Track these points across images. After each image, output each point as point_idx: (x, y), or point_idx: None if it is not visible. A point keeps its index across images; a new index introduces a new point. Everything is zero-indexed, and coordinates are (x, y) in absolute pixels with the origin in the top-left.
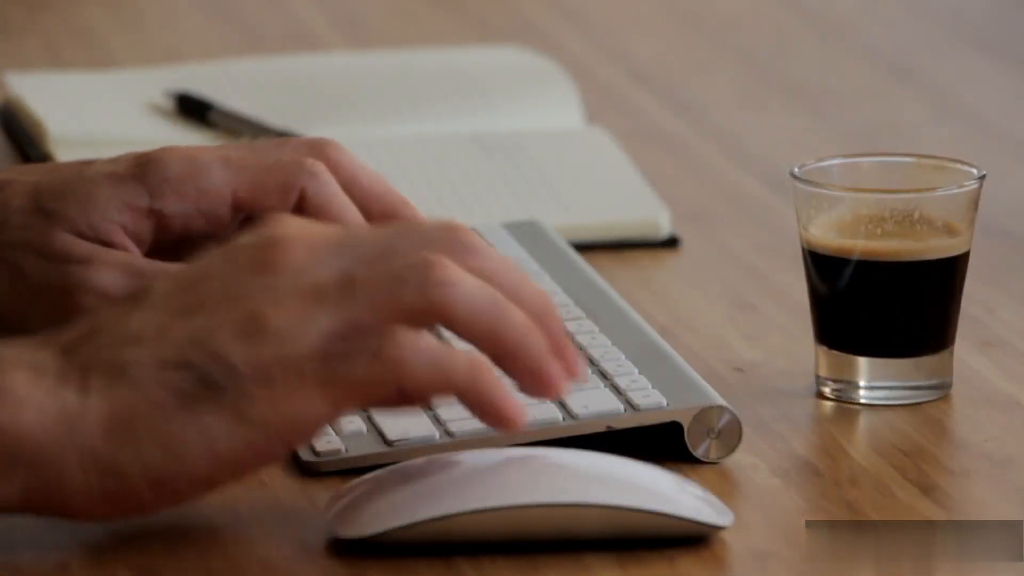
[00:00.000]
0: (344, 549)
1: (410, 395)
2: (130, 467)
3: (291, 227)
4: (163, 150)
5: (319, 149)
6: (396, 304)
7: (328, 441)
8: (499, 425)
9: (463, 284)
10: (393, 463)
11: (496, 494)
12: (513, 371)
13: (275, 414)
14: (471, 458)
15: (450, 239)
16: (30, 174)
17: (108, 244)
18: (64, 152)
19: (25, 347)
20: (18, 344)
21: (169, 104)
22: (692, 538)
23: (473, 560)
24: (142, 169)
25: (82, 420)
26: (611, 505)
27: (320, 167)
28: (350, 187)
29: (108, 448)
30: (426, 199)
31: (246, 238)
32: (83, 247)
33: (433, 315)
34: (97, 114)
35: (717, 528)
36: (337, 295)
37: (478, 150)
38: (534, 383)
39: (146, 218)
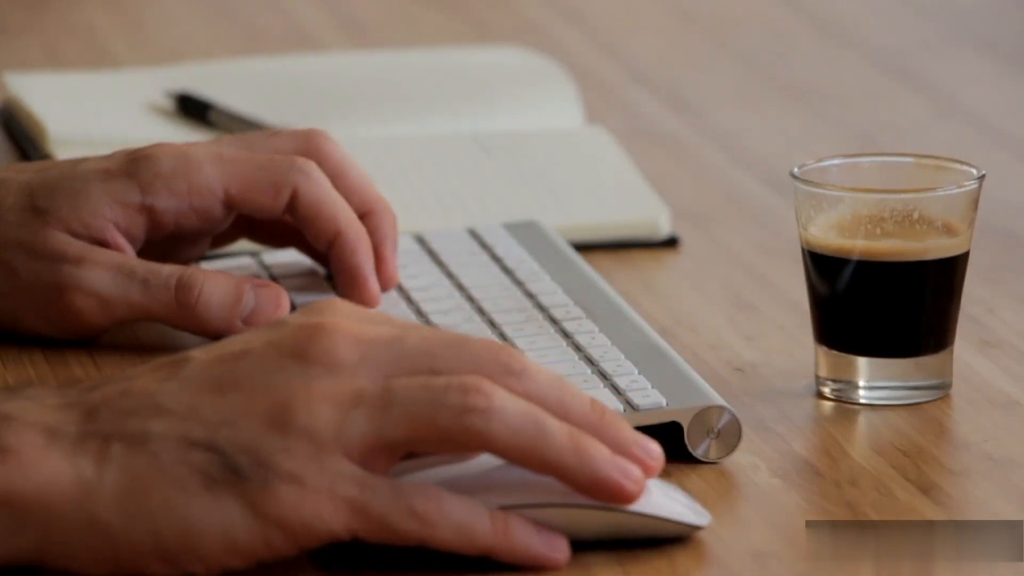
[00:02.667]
0: (343, 550)
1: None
2: (141, 542)
3: (341, 314)
4: (155, 147)
5: (310, 140)
6: (431, 426)
7: None
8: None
9: (502, 411)
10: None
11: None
12: (574, 487)
13: (296, 516)
14: (457, 460)
15: (496, 360)
16: (23, 172)
17: (100, 241)
18: (64, 152)
19: (45, 407)
20: (40, 399)
21: (169, 104)
22: (674, 538)
23: (473, 560)
24: (134, 166)
25: (97, 490)
26: (596, 507)
27: (312, 166)
28: (337, 180)
29: (121, 521)
30: (426, 199)
31: (295, 317)
32: (75, 246)
33: (469, 441)
34: (97, 114)
35: (695, 528)
36: (373, 404)
37: (478, 150)
38: (599, 493)
39: (138, 214)
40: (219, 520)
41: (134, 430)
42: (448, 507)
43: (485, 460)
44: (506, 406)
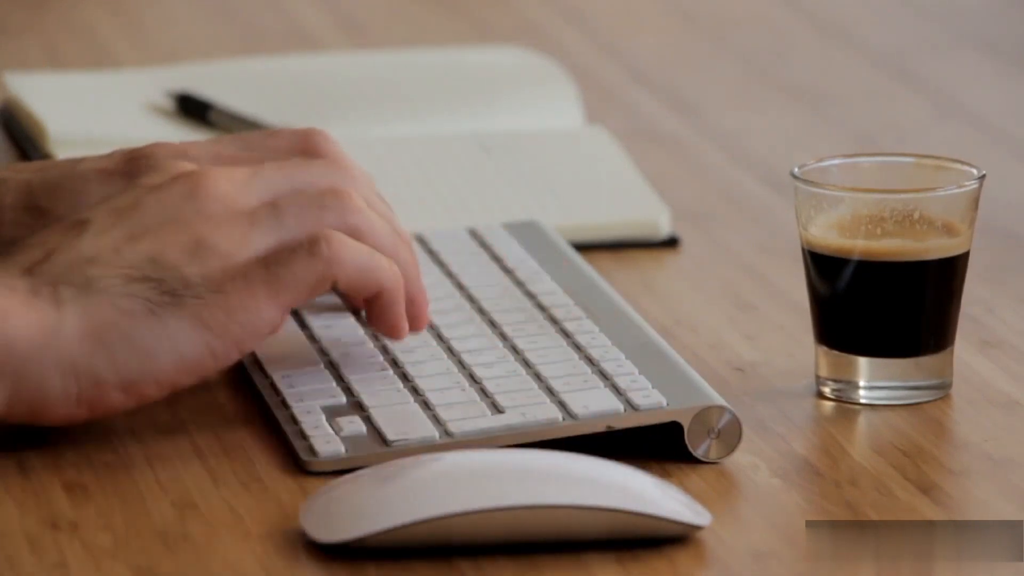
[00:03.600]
0: (343, 549)
1: (343, 289)
2: (105, 373)
3: (201, 162)
4: (153, 145)
5: (309, 139)
6: (320, 227)
7: (327, 441)
8: (391, 332)
9: (370, 212)
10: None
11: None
12: (396, 291)
13: (230, 319)
14: (457, 459)
15: (347, 171)
16: (22, 172)
17: None
18: (64, 152)
19: None
20: None
21: (169, 104)
22: (674, 538)
23: (473, 560)
24: (131, 164)
25: (60, 330)
26: (597, 507)
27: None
28: None
29: (85, 356)
30: (426, 199)
31: (158, 176)
32: None
33: (352, 233)
34: (97, 114)
35: (695, 528)
36: (267, 218)
37: (478, 150)
38: (412, 311)
39: None
40: (167, 339)
41: (76, 276)
42: (351, 243)
43: (486, 459)
44: (365, 205)
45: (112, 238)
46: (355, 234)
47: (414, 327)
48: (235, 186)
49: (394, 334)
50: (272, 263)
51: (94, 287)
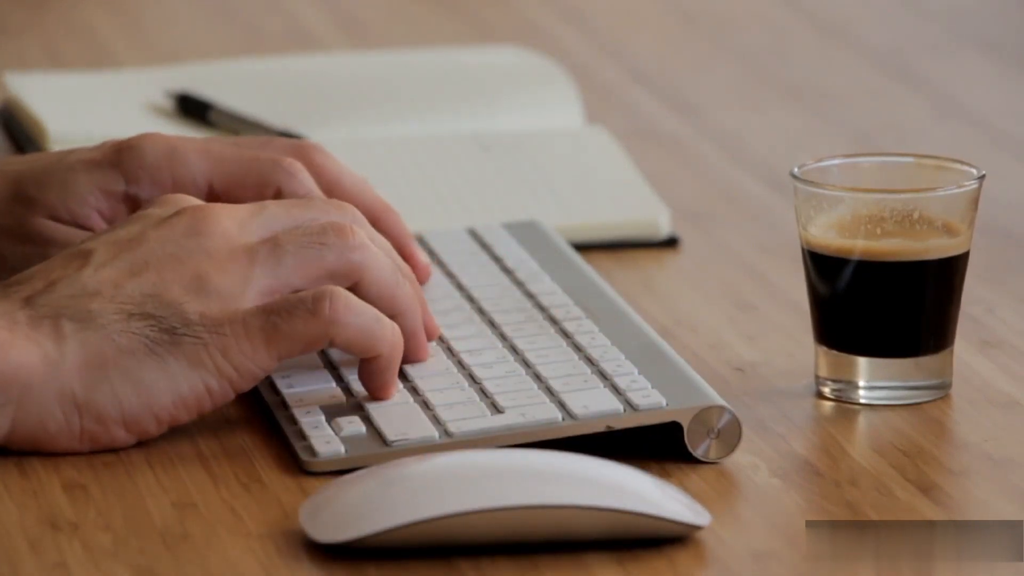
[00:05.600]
0: (343, 549)
1: (341, 347)
2: (107, 408)
3: (199, 200)
4: (142, 137)
5: (303, 153)
6: (321, 264)
7: (327, 441)
8: (377, 394)
9: (372, 247)
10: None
11: (470, 498)
12: (403, 328)
13: (226, 361)
14: (457, 459)
15: (347, 210)
16: (13, 164)
17: (86, 227)
18: None
19: None
20: None
21: (169, 104)
22: (674, 538)
23: (473, 560)
24: (119, 155)
25: (62, 364)
26: (596, 507)
27: (298, 167)
28: (332, 191)
29: (86, 391)
30: (426, 199)
31: (161, 209)
32: (61, 231)
33: (352, 275)
34: (97, 114)
35: (696, 528)
36: (268, 255)
37: (478, 149)
38: (415, 343)
39: (122, 203)
40: (166, 378)
41: (77, 310)
42: (354, 304)
43: (486, 459)
44: (366, 241)
45: (114, 271)
46: (357, 270)
47: (424, 356)
48: (237, 222)
49: (380, 395)
50: (273, 314)
51: (95, 322)
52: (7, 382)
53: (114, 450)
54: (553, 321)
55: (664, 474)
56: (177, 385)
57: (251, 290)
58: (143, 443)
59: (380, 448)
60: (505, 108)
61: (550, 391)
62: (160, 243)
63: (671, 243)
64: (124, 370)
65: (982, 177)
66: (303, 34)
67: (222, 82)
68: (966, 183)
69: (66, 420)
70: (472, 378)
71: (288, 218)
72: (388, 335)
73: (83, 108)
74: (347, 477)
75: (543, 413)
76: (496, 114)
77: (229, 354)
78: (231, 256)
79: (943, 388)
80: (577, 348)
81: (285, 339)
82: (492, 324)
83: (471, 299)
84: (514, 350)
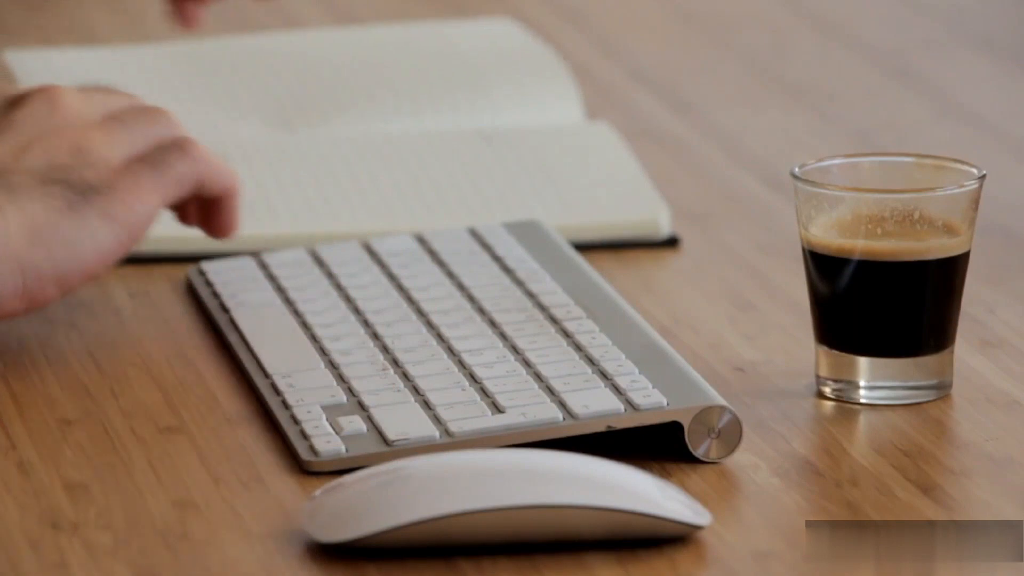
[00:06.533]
0: (343, 549)
1: (202, 188)
2: (44, 267)
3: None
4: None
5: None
6: (158, 135)
7: (328, 441)
8: (229, 230)
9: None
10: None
11: (470, 498)
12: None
13: (129, 211)
14: (457, 459)
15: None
16: None
17: None
18: None
19: None
20: None
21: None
22: (674, 538)
23: (473, 560)
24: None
25: (7, 231)
26: (597, 507)
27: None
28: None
29: (28, 253)
30: (427, 197)
31: (18, 97)
32: None
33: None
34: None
35: (696, 528)
36: (119, 126)
37: (479, 141)
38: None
39: None
40: (88, 233)
41: (2, 183)
42: (210, 151)
43: (486, 459)
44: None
45: (7, 148)
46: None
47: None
48: (80, 100)
49: (231, 232)
50: (154, 162)
51: (20, 190)
52: None
53: (114, 451)
54: (554, 321)
55: (664, 474)
56: (97, 239)
57: (119, 153)
58: (143, 443)
59: (381, 448)
60: (505, 103)
61: (551, 391)
62: (31, 123)
63: (671, 243)
64: (56, 229)
65: (982, 177)
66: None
67: (219, 62)
68: (966, 183)
69: (13, 283)
70: (473, 378)
71: (114, 100)
72: (232, 170)
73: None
74: (348, 477)
75: (544, 413)
76: (496, 109)
77: (130, 205)
78: (92, 125)
79: (943, 388)
80: (578, 348)
81: (170, 183)
82: (493, 324)
83: (472, 299)
84: (515, 350)
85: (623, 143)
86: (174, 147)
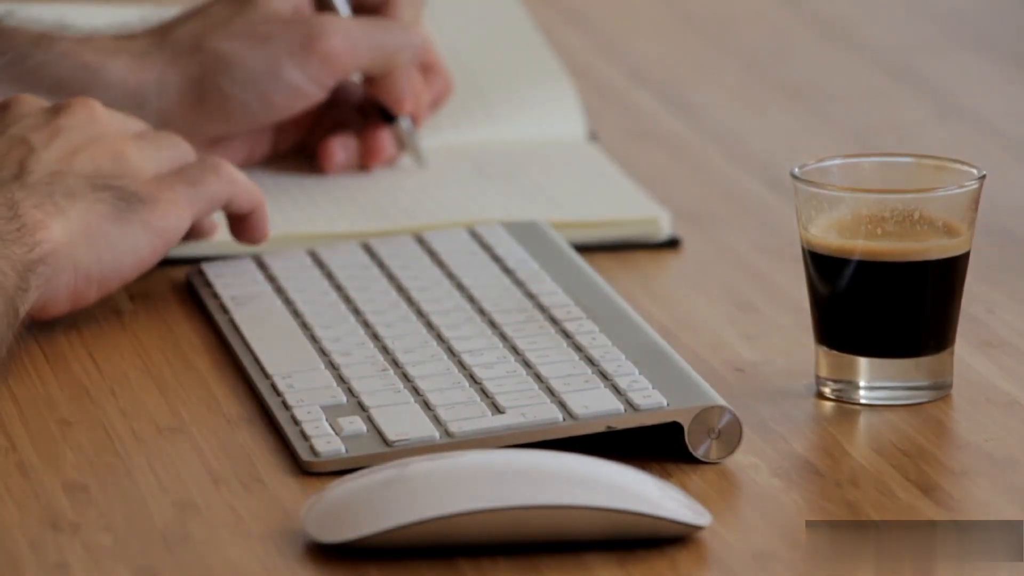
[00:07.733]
0: (344, 549)
1: (230, 206)
2: (92, 270)
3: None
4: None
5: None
6: (183, 155)
7: (328, 441)
8: (251, 241)
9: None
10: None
11: (470, 498)
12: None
13: (166, 224)
14: (457, 459)
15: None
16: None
17: None
18: None
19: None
20: None
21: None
22: (674, 538)
23: (473, 560)
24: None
25: (71, 234)
26: (597, 507)
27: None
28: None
29: (83, 254)
30: (426, 201)
31: (28, 107)
32: (304, 5)
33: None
34: None
35: (696, 528)
36: (148, 142)
37: (477, 176)
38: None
39: None
40: (131, 239)
41: (61, 187)
42: (238, 170)
43: (486, 459)
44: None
45: (58, 153)
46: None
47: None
48: (111, 113)
49: (263, 239)
50: (191, 179)
51: (78, 195)
52: (53, 255)
53: (114, 451)
54: (554, 321)
55: (664, 474)
56: (136, 248)
57: (153, 167)
58: (143, 443)
59: (381, 448)
60: (507, 119)
61: (551, 391)
62: (77, 129)
63: (672, 244)
64: (104, 235)
65: (982, 177)
66: None
67: None
68: (966, 183)
69: (71, 283)
70: (473, 378)
71: (134, 121)
72: (258, 191)
73: None
74: (348, 477)
75: (544, 413)
76: (498, 124)
77: (168, 217)
78: (128, 137)
79: (943, 388)
80: (578, 348)
81: (203, 199)
82: (493, 324)
83: (472, 299)
84: (515, 350)
85: (615, 162)
86: (209, 167)
